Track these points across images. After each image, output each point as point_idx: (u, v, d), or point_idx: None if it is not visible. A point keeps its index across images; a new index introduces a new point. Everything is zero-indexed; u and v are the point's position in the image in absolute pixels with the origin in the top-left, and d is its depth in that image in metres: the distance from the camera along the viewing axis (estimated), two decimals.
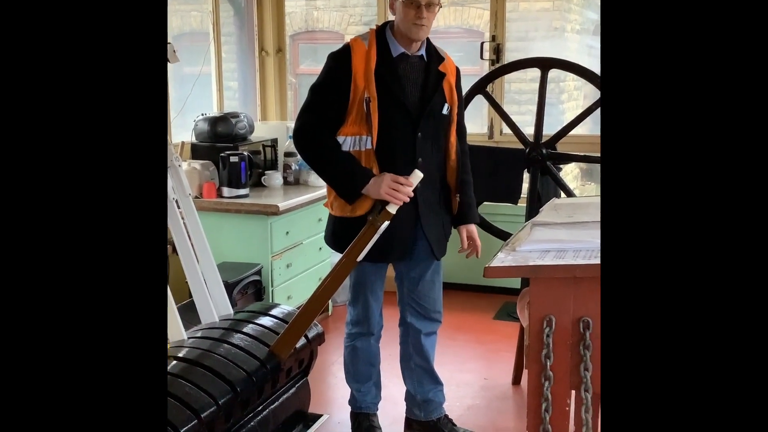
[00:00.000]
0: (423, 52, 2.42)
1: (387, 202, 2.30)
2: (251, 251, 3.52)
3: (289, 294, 3.69)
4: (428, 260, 2.53)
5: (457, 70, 2.52)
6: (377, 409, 2.75)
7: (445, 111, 2.44)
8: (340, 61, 2.35)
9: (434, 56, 2.44)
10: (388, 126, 2.34)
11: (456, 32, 6.15)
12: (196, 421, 2.04)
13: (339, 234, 2.46)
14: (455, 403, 3.01)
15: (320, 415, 2.81)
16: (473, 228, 2.58)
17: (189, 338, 2.47)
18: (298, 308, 2.57)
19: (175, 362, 2.27)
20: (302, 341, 2.55)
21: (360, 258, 2.33)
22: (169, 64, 3.46)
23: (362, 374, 2.68)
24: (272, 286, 3.55)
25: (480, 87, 3.56)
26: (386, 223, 2.29)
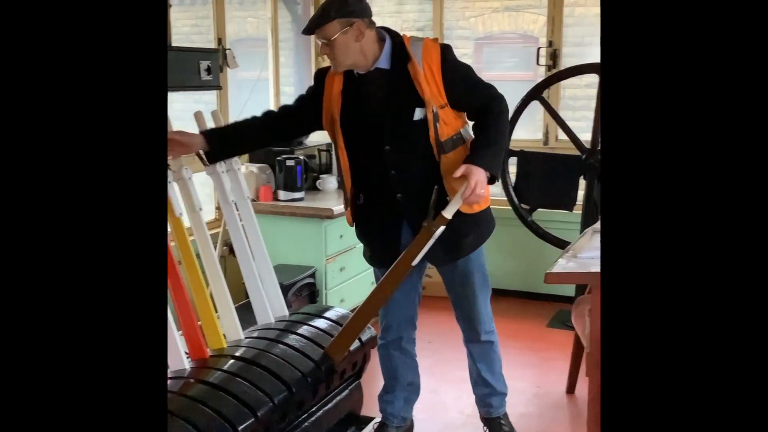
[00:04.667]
0: (383, 64, 2.30)
1: (443, 208, 2.30)
2: (306, 254, 3.57)
3: (342, 297, 3.72)
4: (448, 264, 2.47)
5: (442, 52, 2.29)
6: (399, 423, 2.71)
7: (417, 116, 2.28)
8: (316, 79, 2.46)
9: (399, 61, 2.29)
10: (354, 145, 2.37)
11: (511, 38, 6.11)
12: (253, 419, 2.07)
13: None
14: (507, 410, 2.98)
15: (372, 418, 2.81)
16: (472, 168, 2.20)
17: (246, 338, 2.51)
18: (352, 311, 2.59)
19: (232, 361, 2.31)
20: (356, 344, 2.56)
21: (415, 263, 2.33)
22: (228, 69, 3.55)
23: (386, 383, 2.70)
24: (326, 289, 3.59)
25: (536, 93, 3.54)
26: (442, 228, 2.29)
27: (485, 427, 2.72)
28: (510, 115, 3.46)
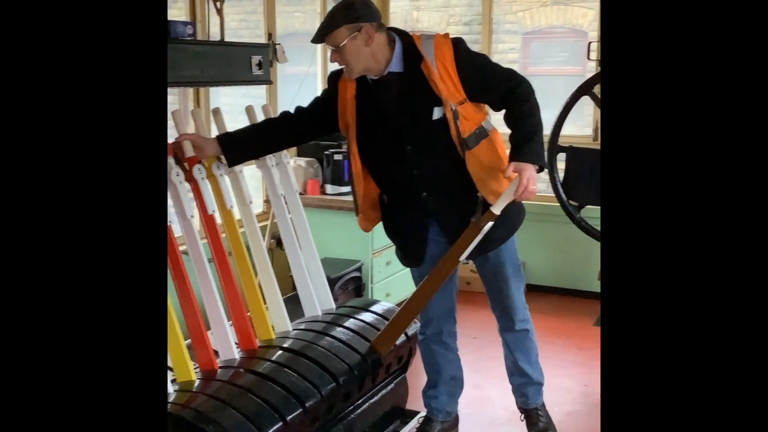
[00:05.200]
0: (396, 67, 2.27)
1: (490, 204, 2.29)
2: (352, 248, 3.59)
3: (388, 291, 3.73)
4: (480, 257, 2.44)
5: (454, 45, 2.24)
6: (444, 418, 2.70)
7: (436, 116, 2.25)
8: (330, 82, 2.43)
9: (412, 62, 2.25)
10: (373, 147, 2.35)
11: (560, 32, 6.03)
12: (301, 410, 2.10)
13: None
14: (554, 408, 2.95)
15: (416, 412, 2.82)
16: (520, 165, 2.19)
17: (293, 329, 2.54)
18: (398, 305, 2.60)
19: (280, 352, 2.35)
20: (402, 338, 2.57)
21: (462, 258, 2.33)
22: (277, 64, 3.59)
23: (429, 378, 2.70)
24: (372, 283, 3.61)
25: (587, 88, 3.49)
26: (490, 224, 2.28)
27: (522, 417, 2.71)
28: (559, 111, 3.46)
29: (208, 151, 2.38)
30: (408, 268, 2.63)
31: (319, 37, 2.23)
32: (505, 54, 6.11)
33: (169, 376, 2.17)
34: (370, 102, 2.31)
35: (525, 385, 2.65)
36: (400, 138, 2.30)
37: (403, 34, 2.30)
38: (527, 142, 2.23)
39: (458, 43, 2.26)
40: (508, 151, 2.31)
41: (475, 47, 2.34)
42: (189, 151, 2.32)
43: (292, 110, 2.50)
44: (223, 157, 2.42)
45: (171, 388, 2.14)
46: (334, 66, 2.35)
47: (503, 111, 2.33)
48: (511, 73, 2.31)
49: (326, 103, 2.43)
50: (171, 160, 2.29)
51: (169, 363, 2.20)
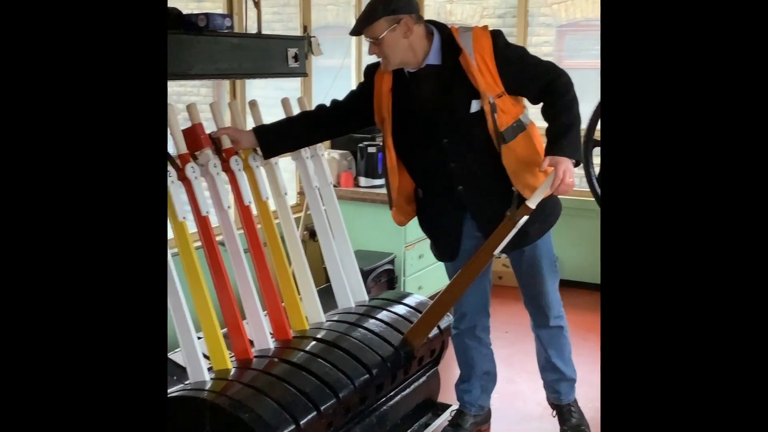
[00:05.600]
0: (433, 59, 2.26)
1: (525, 198, 2.27)
2: (385, 241, 3.60)
3: (420, 284, 3.73)
4: (515, 251, 2.43)
5: (493, 38, 2.23)
6: (477, 411, 2.70)
7: (474, 108, 2.24)
8: (366, 76, 2.43)
9: (450, 54, 2.24)
10: (409, 141, 2.34)
11: (595, 24, 5.95)
12: (334, 400, 2.12)
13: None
14: (588, 404, 2.93)
15: (448, 405, 2.83)
16: (557, 159, 2.17)
17: (326, 321, 2.56)
18: (431, 298, 2.60)
19: (314, 342, 2.37)
20: (435, 331, 2.58)
21: (497, 252, 2.32)
22: (312, 56, 3.60)
23: (461, 372, 2.70)
24: (404, 276, 3.61)
25: None
26: (525, 218, 2.27)
27: (554, 413, 2.70)
28: (595, 105, 3.41)
29: (244, 143, 2.40)
30: (441, 262, 2.62)
31: (358, 30, 2.24)
32: (540, 47, 6.04)
33: (206, 364, 2.21)
34: (407, 95, 2.31)
35: (557, 381, 2.63)
36: (436, 131, 2.29)
37: (441, 27, 2.29)
38: (564, 135, 2.21)
39: (497, 36, 2.25)
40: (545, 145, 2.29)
41: (509, 40, 2.32)
42: (226, 143, 2.35)
43: (327, 103, 2.51)
44: (258, 149, 2.44)
45: (207, 376, 2.17)
46: (370, 59, 2.36)
47: (540, 104, 2.32)
48: (550, 66, 2.30)
49: (362, 96, 2.43)
50: (209, 151, 2.32)
51: (206, 351, 2.24)
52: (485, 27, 2.27)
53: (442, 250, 2.54)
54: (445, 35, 2.27)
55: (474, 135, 2.27)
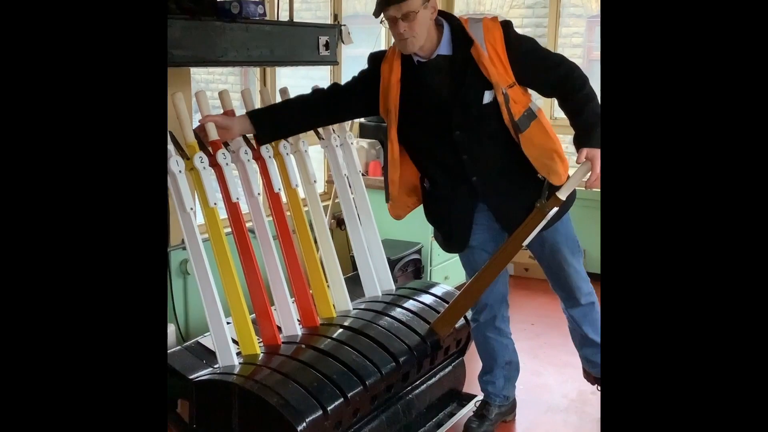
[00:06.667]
0: (444, 50, 2.22)
1: (557, 188, 2.26)
2: (412, 230, 3.59)
3: (447, 274, 3.73)
4: (536, 239, 2.39)
5: (504, 29, 2.21)
6: (502, 402, 2.69)
7: (487, 99, 2.21)
8: (371, 64, 2.37)
9: (461, 45, 2.21)
10: (418, 132, 2.31)
11: None
12: (361, 387, 2.13)
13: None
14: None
15: (473, 395, 2.83)
16: (594, 151, 2.17)
17: (354, 309, 2.58)
18: (457, 288, 2.60)
19: (341, 330, 2.38)
20: (461, 321, 2.58)
21: (526, 243, 2.31)
22: (342, 45, 3.60)
23: (484, 363, 2.69)
24: (431, 266, 3.61)
25: None
26: (555, 209, 2.26)
27: (597, 386, 2.70)
28: None
29: (236, 130, 2.33)
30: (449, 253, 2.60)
31: (389, 1, 2.13)
32: (569, 38, 5.99)
33: (235, 348, 2.23)
34: (417, 86, 2.27)
35: (595, 353, 2.61)
36: (448, 123, 2.26)
37: (451, 17, 2.28)
38: (595, 127, 2.19)
39: (507, 26, 2.23)
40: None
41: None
42: (213, 134, 2.26)
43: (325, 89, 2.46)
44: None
45: (236, 361, 2.20)
46: None
47: (553, 96, 2.32)
48: (561, 58, 2.30)
49: (366, 84, 2.37)
50: (240, 138, 2.34)
51: (235, 336, 2.26)
52: (495, 18, 2.26)
53: (451, 242, 2.50)
54: (456, 26, 2.24)
55: (486, 126, 2.25)
